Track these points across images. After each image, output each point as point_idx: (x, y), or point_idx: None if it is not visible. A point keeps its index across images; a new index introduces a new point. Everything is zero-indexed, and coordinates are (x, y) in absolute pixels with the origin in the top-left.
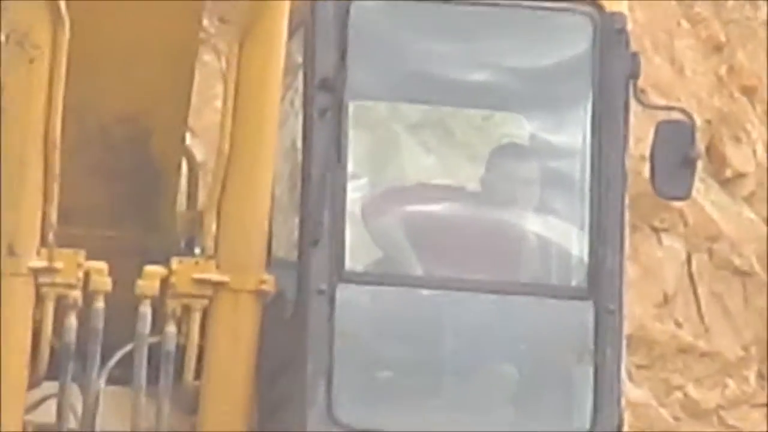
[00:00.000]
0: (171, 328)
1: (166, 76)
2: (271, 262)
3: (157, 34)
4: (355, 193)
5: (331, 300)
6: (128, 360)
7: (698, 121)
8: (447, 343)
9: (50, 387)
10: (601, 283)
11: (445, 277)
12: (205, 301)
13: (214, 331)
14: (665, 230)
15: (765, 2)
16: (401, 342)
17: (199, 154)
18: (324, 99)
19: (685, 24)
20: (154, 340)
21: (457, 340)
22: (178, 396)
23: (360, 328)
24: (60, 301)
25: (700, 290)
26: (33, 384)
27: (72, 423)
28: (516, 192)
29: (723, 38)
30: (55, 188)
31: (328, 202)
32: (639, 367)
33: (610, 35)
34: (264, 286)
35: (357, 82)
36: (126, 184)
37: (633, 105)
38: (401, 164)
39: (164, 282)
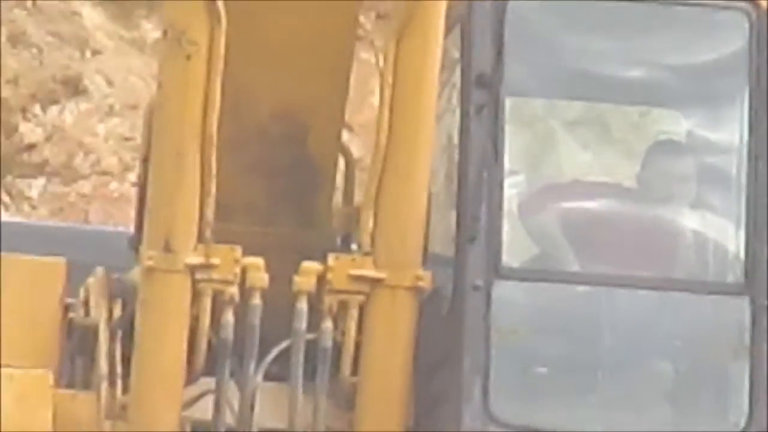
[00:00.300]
0: (328, 325)
1: (323, 72)
2: (427, 258)
3: (314, 30)
4: (511, 189)
5: (488, 296)
6: (285, 356)
7: None
8: (603, 340)
9: (208, 383)
10: (757, 279)
11: (601, 274)
12: (362, 298)
13: (371, 328)
14: None
15: None
16: (558, 339)
17: (356, 151)
18: (481, 95)
19: None
20: (311, 336)
21: (614, 336)
22: (335, 392)
23: (516, 324)
24: (217, 297)
25: None
26: (190, 380)
27: (229, 419)
28: (672, 189)
29: None
30: (212, 185)
31: (484, 198)
32: None
33: (767, 32)
34: (421, 283)
35: (514, 79)
36: (283, 181)
37: None
38: (558, 161)
39: (321, 278)
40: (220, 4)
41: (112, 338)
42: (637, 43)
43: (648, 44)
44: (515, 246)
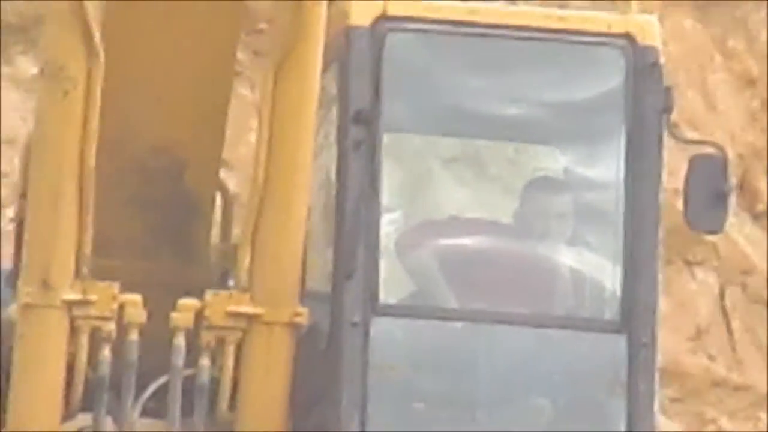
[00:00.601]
0: (205, 361)
1: (201, 107)
2: (305, 294)
3: (191, 66)
4: (389, 226)
5: (365, 333)
6: (163, 392)
7: (731, 156)
8: (481, 376)
9: (85, 419)
10: (634, 316)
11: (478, 310)
12: (239, 334)
13: (248, 364)
14: (698, 264)
15: None
16: (435, 375)
17: (233, 187)
18: (359, 132)
19: (718, 58)
20: (188, 372)
21: (491, 373)
22: (213, 428)
23: (394, 360)
24: (94, 333)
25: (734, 324)
26: (68, 416)
27: None
28: (550, 225)
29: (756, 72)
30: (90, 220)
31: (362, 235)
32: (672, 400)
33: (644, 69)
34: (298, 319)
35: (392, 115)
36: (161, 216)
37: (666, 139)
38: (435, 197)
39: (198, 314)
40: (97, 38)
41: None
42: (514, 79)
43: (525, 81)
44: (392, 283)
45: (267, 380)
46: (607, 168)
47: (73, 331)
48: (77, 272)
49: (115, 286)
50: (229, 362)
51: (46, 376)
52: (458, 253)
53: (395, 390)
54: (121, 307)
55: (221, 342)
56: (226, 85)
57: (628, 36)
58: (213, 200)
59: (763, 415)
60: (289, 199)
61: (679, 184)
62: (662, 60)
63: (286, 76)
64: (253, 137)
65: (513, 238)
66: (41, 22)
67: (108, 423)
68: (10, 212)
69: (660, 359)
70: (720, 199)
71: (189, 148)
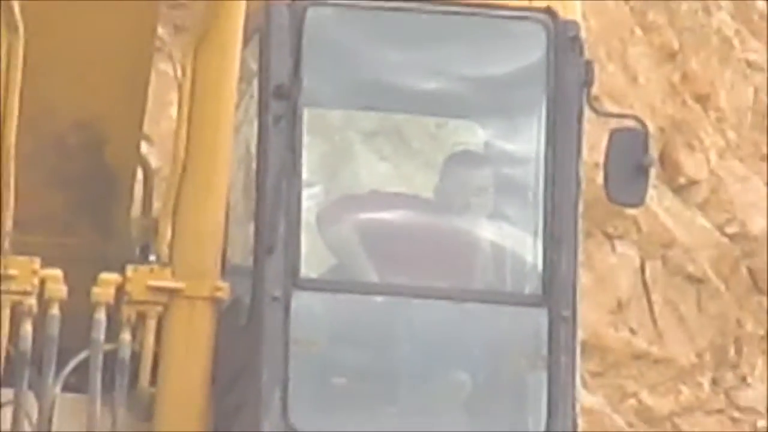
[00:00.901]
0: (126, 336)
1: (121, 82)
2: (226, 269)
3: (112, 40)
4: (309, 200)
5: (286, 307)
6: (83, 367)
7: (651, 129)
8: (401, 350)
9: (6, 394)
10: (555, 290)
11: (399, 285)
12: (160, 308)
13: (169, 338)
14: (619, 237)
15: (718, 10)
16: (356, 349)
17: (154, 162)
18: (279, 106)
19: (638, 31)
20: (109, 347)
21: (412, 346)
22: (133, 403)
23: (315, 335)
24: (15, 308)
25: (654, 297)
26: None
27: (27, 430)
28: (470, 199)
29: (676, 46)
30: (10, 196)
31: (282, 209)
32: (593, 374)
33: (564, 43)
34: (219, 293)
35: (312, 90)
36: (81, 192)
37: (586, 112)
38: (356, 172)
39: (119, 289)
40: (17, 10)
41: None
42: (434, 53)
43: (446, 55)
44: (313, 257)
45: (188, 355)
46: (527, 142)
47: None
48: None
49: (36, 261)
50: (150, 337)
51: None
52: (379, 227)
53: (316, 365)
54: (42, 282)
55: (142, 316)
56: (146, 60)
57: (548, 10)
58: (134, 175)
59: (684, 388)
60: (209, 173)
61: (600, 157)
62: (583, 34)
63: (207, 50)
64: (173, 112)
65: (434, 212)
66: None
67: (29, 398)
68: None
69: (581, 333)
70: (640, 173)
71: (109, 124)
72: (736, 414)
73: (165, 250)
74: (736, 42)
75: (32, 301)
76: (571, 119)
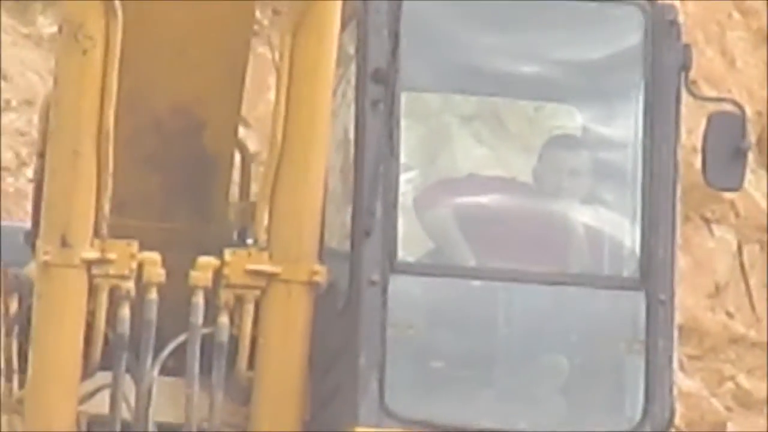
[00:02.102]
0: (224, 319)
1: (220, 66)
2: (323, 253)
3: (210, 24)
4: (407, 184)
5: (384, 291)
6: (181, 351)
7: (749, 113)
8: (499, 334)
9: (104, 377)
10: (653, 273)
11: (497, 268)
12: (258, 292)
13: (267, 322)
14: (716, 221)
15: None
16: (453, 333)
17: (252, 145)
18: (376, 90)
19: (736, 15)
20: (207, 330)
21: (509, 331)
22: (231, 386)
23: (412, 319)
24: (113, 292)
25: (752, 281)
26: (87, 374)
27: (125, 413)
28: (568, 183)
29: None
30: (109, 179)
31: (380, 193)
32: (691, 357)
33: (662, 27)
34: (316, 277)
35: (409, 74)
36: (179, 175)
37: (684, 97)
38: (453, 155)
39: (217, 273)
40: None
41: (8, 333)
42: (532, 38)
43: (543, 39)
44: (411, 241)
45: (285, 339)
46: (625, 126)
47: (92, 289)
48: (96, 231)
49: (134, 245)
50: (248, 321)
51: (65, 335)
52: (476, 211)
53: (413, 348)
54: (140, 265)
55: (240, 300)
56: (244, 44)
57: None
58: (231, 159)
59: None
60: (307, 157)
61: (698, 141)
62: (680, 17)
63: (305, 34)
64: (271, 96)
65: (531, 196)
66: None
67: (127, 381)
68: (29, 171)
69: (678, 316)
70: (738, 156)
71: (207, 107)
72: None
73: (262, 234)
74: None
75: (130, 285)
76: (668, 103)
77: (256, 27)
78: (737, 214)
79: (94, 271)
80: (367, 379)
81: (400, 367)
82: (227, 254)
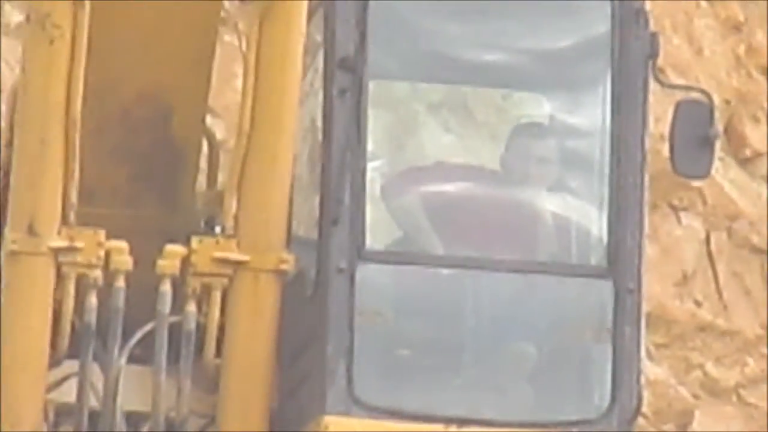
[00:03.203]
0: (191, 307)
1: (187, 54)
2: (291, 241)
3: (177, 13)
4: (374, 172)
5: (351, 279)
6: (149, 339)
7: (717, 101)
8: (467, 322)
9: (71, 366)
10: (620, 261)
11: (464, 256)
12: (226, 280)
13: (235, 310)
14: (684, 209)
15: None
16: (421, 321)
17: (219, 134)
18: (344, 78)
19: (703, 3)
20: (174, 319)
21: (477, 319)
22: (199, 375)
23: (380, 306)
24: (81, 280)
25: (719, 269)
26: (54, 363)
27: (93, 402)
28: (535, 171)
29: (741, 18)
30: (76, 168)
31: (348, 181)
32: (658, 345)
33: (629, 15)
34: (284, 266)
35: (377, 62)
36: (146, 164)
37: (652, 85)
38: (421, 143)
39: (185, 261)
40: None
41: None
42: (500, 26)
43: (511, 27)
44: (379, 229)
45: (253, 327)
46: (593, 114)
47: (60, 278)
48: (64, 219)
49: (102, 234)
50: (216, 309)
51: (32, 324)
52: (444, 198)
53: (381, 336)
54: (108, 254)
55: (207, 288)
56: (211, 31)
57: None
58: (199, 147)
59: (750, 360)
60: (274, 145)
61: (665, 129)
62: (647, 5)
63: (272, 23)
64: (239, 84)
65: (499, 184)
66: None
67: (94, 370)
68: None
69: (646, 305)
70: (706, 145)
71: (174, 95)
72: None
73: (230, 222)
74: None
75: (97, 273)
76: (636, 91)
77: (223, 14)
78: (705, 202)
79: (62, 259)
80: (334, 367)
81: (367, 355)
82: (194, 242)
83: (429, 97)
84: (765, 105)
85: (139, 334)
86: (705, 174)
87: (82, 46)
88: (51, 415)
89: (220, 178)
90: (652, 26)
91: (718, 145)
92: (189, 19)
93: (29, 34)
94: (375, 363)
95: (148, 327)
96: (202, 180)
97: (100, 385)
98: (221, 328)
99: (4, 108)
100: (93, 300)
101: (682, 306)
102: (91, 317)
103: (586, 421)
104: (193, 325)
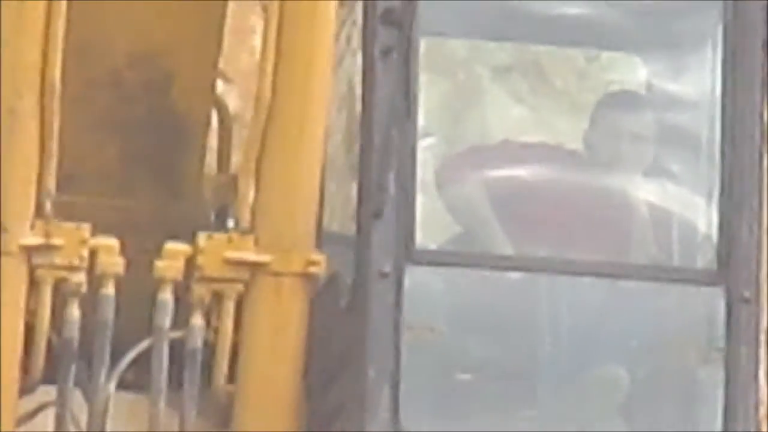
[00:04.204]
0: (197, 320)
1: (192, 7)
2: (322, 237)
3: None
4: (427, 152)
5: (398, 285)
6: (145, 360)
7: None
8: (542, 339)
9: (47, 393)
10: (733, 264)
11: (538, 258)
12: (241, 287)
13: (252, 324)
14: None
15: None
16: (485, 338)
17: (232, 104)
18: (388, 35)
19: None
20: (176, 335)
21: (554, 335)
22: (206, 404)
23: (433, 320)
24: (60, 286)
25: None
26: (27, 389)
27: None
28: (628, 152)
29: None
30: (54, 147)
31: (393, 164)
32: None
33: None
34: (313, 268)
35: (429, 15)
36: (141, 141)
37: None
38: (484, 117)
39: (190, 263)
40: None
41: None
42: None
43: None
44: (432, 223)
45: (275, 344)
46: (699, 81)
47: (34, 283)
48: (38, 211)
49: (86, 228)
50: (228, 322)
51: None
52: (513, 186)
53: (434, 356)
54: (93, 253)
55: (218, 297)
56: None
57: None
58: (207, 121)
59: None
60: (302, 119)
61: None
62: None
63: None
64: (257, 42)
65: (581, 167)
66: None
67: (76, 397)
68: None
69: (765, 317)
70: None
71: (176, 57)
72: None
73: (246, 215)
74: None
75: (80, 278)
76: (753, 56)
77: None
78: None
79: (36, 260)
80: (377, 393)
81: (417, 379)
82: (202, 239)
83: (494, 59)
84: None
85: (132, 354)
86: None
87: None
88: None
89: (234, 159)
90: None
91: None
92: None
93: None
94: (426, 388)
95: (143, 345)
96: (211, 161)
97: (83, 417)
98: (235, 347)
99: None
100: (75, 311)
101: None
102: (73, 332)
103: None
104: (199, 343)
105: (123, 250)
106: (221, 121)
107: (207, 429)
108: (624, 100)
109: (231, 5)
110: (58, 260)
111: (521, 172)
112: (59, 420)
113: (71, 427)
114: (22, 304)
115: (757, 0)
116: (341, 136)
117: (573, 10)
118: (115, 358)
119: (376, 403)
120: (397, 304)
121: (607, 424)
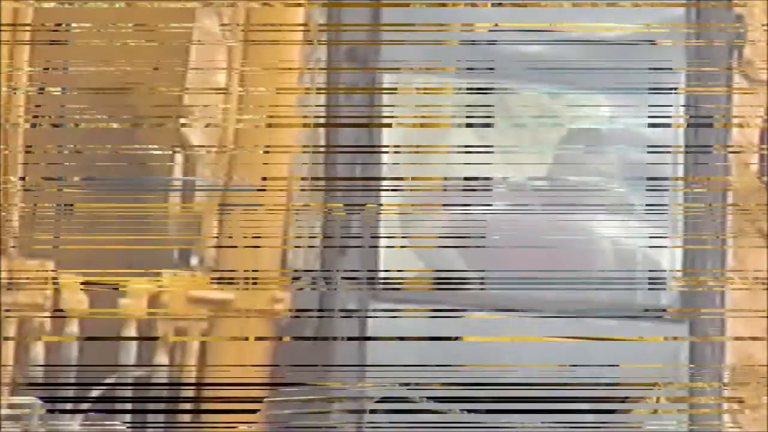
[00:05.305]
0: (162, 359)
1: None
2: (287, 274)
3: None
4: (391, 189)
5: (363, 322)
6: (108, 399)
7: None
8: (508, 380)
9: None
10: (699, 301)
11: (503, 295)
12: (205, 325)
13: (216, 362)
14: None
15: None
16: (451, 377)
17: (195, 137)
18: (352, 72)
19: None
20: (140, 373)
21: (520, 375)
22: None
23: (399, 357)
24: (22, 327)
25: None
26: None
27: None
28: (592, 188)
29: None
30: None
31: (358, 201)
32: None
33: None
34: (278, 306)
35: (394, 51)
36: (104, 176)
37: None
38: (448, 154)
39: (153, 300)
40: None
41: None
42: (548, 7)
43: (562, 9)
44: (396, 259)
45: (239, 382)
46: (662, 118)
47: None
48: None
49: (49, 265)
50: (192, 361)
51: None
52: (477, 222)
53: (401, 395)
54: (57, 291)
55: (182, 334)
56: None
57: None
58: (170, 157)
59: None
60: (266, 157)
61: (754, 136)
62: None
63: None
64: (222, 80)
65: (546, 203)
66: None
67: None
68: None
69: (730, 357)
70: None
71: (141, 93)
72: None
73: (211, 251)
74: None
75: (44, 317)
76: (717, 76)
77: None
78: None
79: None
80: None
81: (384, 418)
82: (166, 277)
83: (458, 95)
84: None
85: (95, 394)
86: None
87: None
88: None
89: (198, 196)
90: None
91: None
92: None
93: None
94: (393, 428)
95: (107, 382)
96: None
97: None
98: (200, 385)
99: None
100: (38, 351)
101: None
102: (35, 373)
103: None
104: (163, 380)
105: (86, 287)
106: (184, 157)
107: None
108: (587, 136)
109: (198, 40)
110: (21, 299)
111: (484, 208)
112: None
113: None
114: None
115: (720, 40)
116: (306, 168)
117: (536, 45)
118: (78, 399)
119: None
120: (363, 342)
121: None
